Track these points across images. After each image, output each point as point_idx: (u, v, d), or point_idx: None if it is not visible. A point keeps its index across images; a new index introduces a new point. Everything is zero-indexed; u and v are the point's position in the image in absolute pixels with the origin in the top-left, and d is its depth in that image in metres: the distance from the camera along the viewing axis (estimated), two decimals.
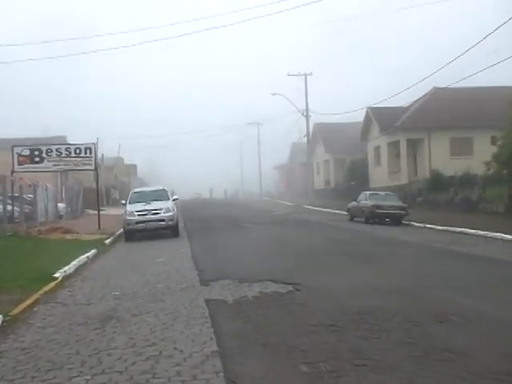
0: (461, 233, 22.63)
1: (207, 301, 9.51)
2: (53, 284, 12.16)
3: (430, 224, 26.02)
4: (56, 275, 12.90)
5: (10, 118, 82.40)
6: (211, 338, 7.13)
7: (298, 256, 15.12)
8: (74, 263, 15.01)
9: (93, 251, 18.17)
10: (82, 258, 16.37)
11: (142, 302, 9.82)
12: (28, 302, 10.00)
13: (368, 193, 30.95)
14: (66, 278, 13.18)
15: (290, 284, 10.67)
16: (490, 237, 20.47)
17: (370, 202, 28.94)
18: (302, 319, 7.90)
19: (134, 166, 69.70)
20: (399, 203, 29.35)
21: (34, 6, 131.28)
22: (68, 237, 23.22)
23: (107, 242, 21.91)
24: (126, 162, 75.06)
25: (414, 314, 8.03)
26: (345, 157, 56.52)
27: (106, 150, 68.24)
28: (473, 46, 30.53)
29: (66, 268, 13.92)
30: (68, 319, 8.87)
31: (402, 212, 28.42)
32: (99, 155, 64.60)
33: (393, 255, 14.92)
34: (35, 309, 9.76)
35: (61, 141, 43.44)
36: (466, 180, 37.67)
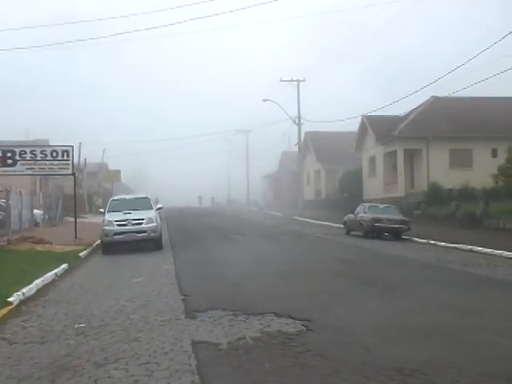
0: (470, 251, 20.72)
1: (194, 344, 7.36)
2: (4, 311, 9.97)
3: (434, 240, 24.11)
4: (11, 299, 10.69)
5: None
6: None
7: (300, 279, 12.97)
8: (38, 282, 12.80)
9: (63, 266, 15.99)
10: (49, 275, 14.18)
11: (111, 342, 7.65)
12: None
13: (367, 205, 28.94)
14: (24, 302, 10.98)
15: (297, 320, 8.54)
16: (506, 256, 18.55)
17: (369, 215, 26.95)
18: (323, 381, 5.80)
19: (118, 172, 67.17)
20: (400, 217, 27.40)
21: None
22: (39, 248, 20.96)
23: (82, 254, 19.71)
24: (111, 167, 72.68)
25: (483, 377, 5.93)
26: (337, 167, 54.62)
27: (91, 155, 65.99)
28: (474, 57, 28.96)
29: (25, 289, 11.70)
30: (8, 368, 6.70)
31: (403, 226, 26.46)
32: (82, 160, 62.55)
33: (411, 280, 12.80)
34: None
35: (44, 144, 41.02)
36: (466, 193, 35.99)
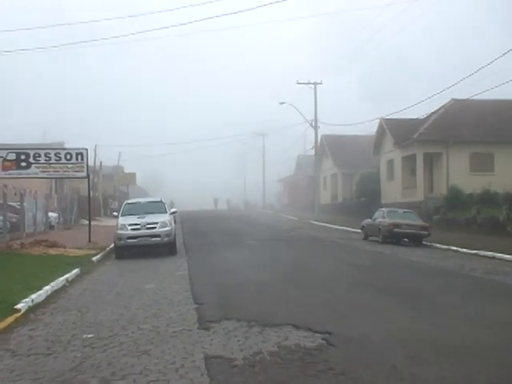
0: (493, 258, 20.08)
1: (207, 359, 6.89)
2: (11, 318, 9.60)
3: (455, 246, 23.47)
4: (18, 306, 10.32)
5: (7, 122, 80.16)
6: None
7: (318, 288, 12.43)
8: (48, 288, 12.43)
9: (75, 271, 15.63)
10: (60, 280, 13.82)
11: (119, 356, 7.21)
12: None
13: (385, 210, 28.29)
14: (32, 309, 10.59)
15: (316, 332, 8.04)
16: None
17: (387, 220, 26.32)
18: None
19: (133, 175, 67.01)
20: (420, 222, 26.75)
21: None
22: (52, 251, 20.64)
23: (95, 259, 19.34)
24: (127, 170, 72.62)
25: None
26: (354, 171, 53.92)
27: (106, 158, 65.99)
28: (495, 59, 28.31)
29: (34, 295, 11.34)
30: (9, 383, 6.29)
31: (424, 232, 25.80)
32: (97, 163, 62.47)
33: (436, 289, 12.21)
34: None
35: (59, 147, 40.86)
36: (487, 198, 35.19)
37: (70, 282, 14.22)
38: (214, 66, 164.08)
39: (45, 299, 11.65)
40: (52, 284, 12.95)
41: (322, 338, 7.71)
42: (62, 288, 13.30)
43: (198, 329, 8.57)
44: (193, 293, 11.90)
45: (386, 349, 7.20)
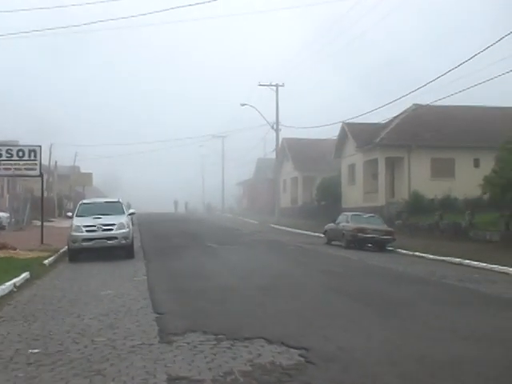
0: (460, 264, 19.74)
1: (171, 380, 6.02)
2: None
3: (419, 252, 23.08)
4: None
5: None
6: None
7: (288, 295, 11.63)
8: None
9: (24, 275, 14.47)
10: (7, 285, 12.68)
11: (68, 376, 6.27)
12: None
13: (349, 214, 27.76)
14: None
15: (292, 348, 7.24)
16: (500, 271, 17.55)
17: (351, 225, 25.79)
18: None
19: (90, 175, 65.18)
20: (385, 227, 26.34)
21: None
22: (0, 254, 19.35)
23: (47, 261, 18.15)
24: (83, 171, 70.74)
25: None
26: (314, 175, 53.59)
27: (62, 158, 64.13)
28: (457, 66, 28.13)
29: None
30: None
31: (388, 237, 25.38)
32: (52, 162, 60.61)
33: (412, 298, 11.55)
34: None
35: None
36: (448, 203, 35.14)
37: (18, 288, 13.08)
38: (174, 65, 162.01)
39: None
40: None
41: (299, 355, 6.91)
42: (9, 294, 12.19)
43: (160, 343, 7.68)
44: (152, 300, 10.98)
45: (373, 367, 6.45)
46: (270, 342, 7.58)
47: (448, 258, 20.83)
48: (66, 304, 11.00)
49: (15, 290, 12.85)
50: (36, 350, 7.45)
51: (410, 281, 14.67)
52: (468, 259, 20.03)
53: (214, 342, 7.60)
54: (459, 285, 14.02)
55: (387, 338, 7.81)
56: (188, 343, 7.60)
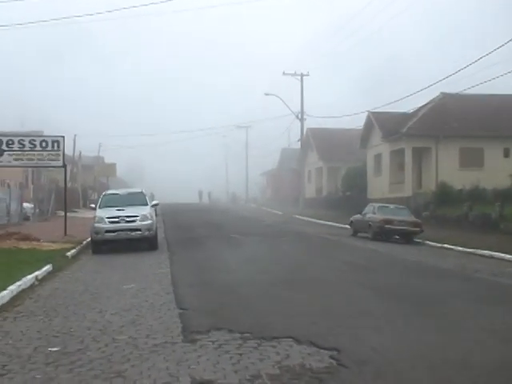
0: (491, 257, 19.16)
1: None
2: None
3: (448, 244, 22.49)
4: None
5: None
6: None
7: (315, 291, 11.22)
8: (13, 288, 11.11)
9: (46, 267, 14.29)
10: (29, 278, 12.49)
11: (87, 379, 5.96)
12: None
13: (376, 205, 27.19)
14: None
15: (322, 349, 6.85)
16: None
17: (378, 216, 25.26)
18: None
19: (114, 165, 65.34)
20: (412, 218, 25.74)
21: None
22: (23, 245, 19.26)
23: (70, 253, 18.00)
24: (107, 161, 70.94)
25: None
26: (339, 165, 52.87)
27: (86, 149, 64.32)
28: (486, 55, 27.46)
29: None
30: None
31: (416, 229, 24.79)
32: (76, 153, 60.78)
33: (446, 294, 11.05)
34: None
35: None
36: (477, 194, 34.34)
37: (40, 281, 12.89)
38: (198, 55, 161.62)
39: (9, 301, 10.35)
40: (18, 283, 11.62)
41: (330, 357, 6.52)
42: (30, 287, 11.99)
43: (183, 342, 7.34)
44: (176, 295, 10.66)
45: (409, 372, 6.03)
46: (298, 341, 7.19)
47: (478, 251, 20.25)
48: (87, 298, 10.74)
49: (37, 283, 12.65)
50: (55, 349, 7.17)
51: (442, 275, 14.18)
52: (500, 252, 19.45)
53: (240, 342, 7.25)
54: (493, 279, 13.52)
55: (422, 339, 7.36)
56: (212, 342, 7.26)
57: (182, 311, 9.20)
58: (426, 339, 7.39)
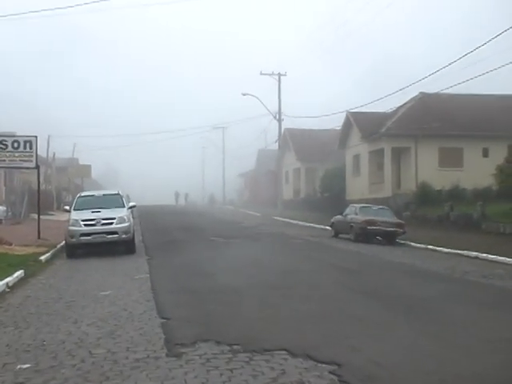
0: (477, 258, 18.82)
1: None
2: None
3: (432, 245, 22.13)
4: None
5: None
6: None
7: (305, 296, 10.63)
8: None
9: (18, 273, 13.55)
10: None
11: None
12: None
13: (358, 206, 26.76)
14: None
15: (320, 362, 6.29)
16: None
17: (360, 217, 24.82)
18: None
19: (89, 167, 64.16)
20: (395, 219, 25.38)
21: None
22: None
23: (44, 258, 17.24)
24: (82, 163, 69.68)
25: None
26: (317, 166, 52.44)
27: (60, 150, 63.08)
28: (462, 56, 27.35)
29: None
30: None
31: (399, 230, 24.41)
32: (50, 154, 59.56)
33: (440, 299, 10.54)
34: None
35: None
36: (457, 194, 34.22)
37: (11, 288, 12.16)
38: (174, 54, 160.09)
39: None
40: None
41: (331, 372, 5.96)
42: (1, 295, 11.27)
43: (167, 356, 6.72)
44: (156, 303, 10.01)
45: None
46: (293, 354, 6.62)
47: (464, 252, 19.89)
48: (62, 307, 10.05)
49: (8, 290, 11.94)
50: (26, 366, 6.52)
51: (432, 278, 13.71)
52: (485, 253, 19.13)
53: (230, 355, 6.65)
54: (485, 282, 13.08)
55: (428, 351, 6.82)
56: (200, 356, 6.65)
57: (163, 321, 8.58)
58: (430, 350, 6.83)
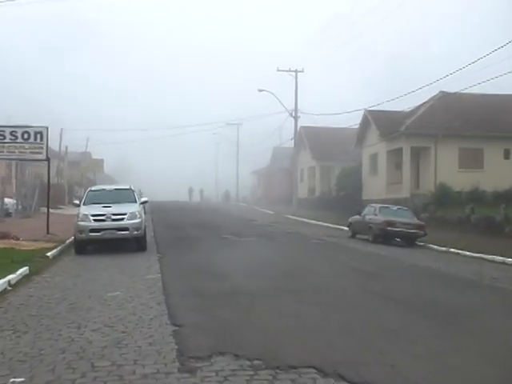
0: (503, 263, 17.95)
1: None
2: None
3: (453, 248, 21.23)
4: None
5: None
6: None
7: (329, 303, 9.77)
8: None
9: (22, 270, 12.81)
10: (0, 283, 11.02)
11: None
12: None
13: (377, 206, 25.85)
14: None
15: None
16: None
17: (380, 218, 23.94)
18: None
19: (101, 161, 63.63)
20: (415, 220, 24.48)
21: None
22: (0, 244, 17.74)
23: (51, 254, 16.52)
24: (95, 157, 69.14)
25: None
26: (333, 164, 51.59)
27: (73, 144, 62.52)
28: (486, 55, 26.45)
29: None
30: None
31: (420, 232, 23.50)
32: (63, 148, 59.04)
33: (474, 307, 9.73)
34: None
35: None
36: (476, 196, 33.22)
37: (13, 286, 11.42)
38: (190, 50, 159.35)
39: None
40: None
41: None
42: (1, 294, 10.54)
43: (180, 372, 5.93)
44: (168, 307, 9.23)
45: None
46: (322, 372, 5.82)
47: (488, 256, 19.01)
48: (65, 309, 9.30)
49: (9, 288, 11.20)
50: (20, 380, 5.76)
51: (461, 284, 12.82)
52: (511, 257, 18.24)
53: (251, 372, 5.86)
54: None
55: (475, 371, 5.99)
56: (216, 373, 5.86)
57: (176, 328, 7.80)
58: (478, 370, 6.00)
